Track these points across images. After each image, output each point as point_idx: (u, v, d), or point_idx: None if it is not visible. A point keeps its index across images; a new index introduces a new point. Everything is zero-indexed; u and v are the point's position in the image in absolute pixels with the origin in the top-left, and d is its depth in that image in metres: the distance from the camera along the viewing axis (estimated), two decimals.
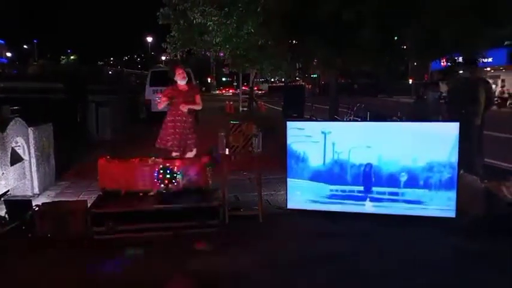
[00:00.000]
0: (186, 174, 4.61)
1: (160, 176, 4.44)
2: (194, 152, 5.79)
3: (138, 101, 17.63)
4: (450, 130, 4.36)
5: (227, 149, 4.61)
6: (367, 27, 6.78)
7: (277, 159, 6.32)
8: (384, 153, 4.50)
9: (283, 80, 42.86)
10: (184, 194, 4.47)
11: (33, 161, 5.53)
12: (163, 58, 62.59)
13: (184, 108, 5.59)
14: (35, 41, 78.39)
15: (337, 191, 4.64)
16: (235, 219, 4.50)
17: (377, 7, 6.64)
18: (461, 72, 7.65)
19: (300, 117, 11.91)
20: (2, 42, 74.43)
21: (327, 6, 6.65)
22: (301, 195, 4.73)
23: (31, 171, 5.51)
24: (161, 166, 4.49)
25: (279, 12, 6.94)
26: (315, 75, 44.06)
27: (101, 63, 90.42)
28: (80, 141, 9.88)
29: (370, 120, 6.53)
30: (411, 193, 4.47)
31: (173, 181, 4.46)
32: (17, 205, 4.47)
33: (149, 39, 52.76)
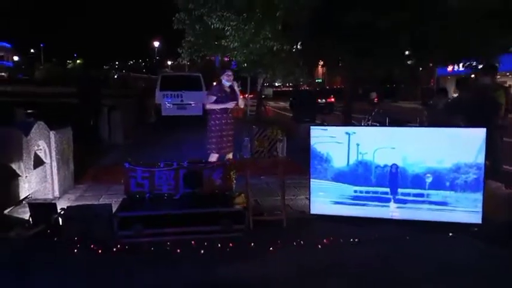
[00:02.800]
0: (211, 178, 4.61)
1: (185, 179, 4.44)
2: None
3: (146, 105, 17.72)
4: (477, 134, 4.35)
5: (251, 154, 4.61)
6: (401, 34, 6.75)
7: (293, 164, 6.35)
8: (409, 154, 4.49)
9: (288, 84, 42.97)
10: (209, 198, 4.47)
11: (54, 164, 5.55)
12: (169, 63, 62.87)
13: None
14: (42, 45, 78.95)
15: (361, 192, 4.63)
16: (259, 225, 4.49)
17: (411, 16, 6.61)
18: (478, 78, 7.65)
19: (312, 122, 11.86)
20: (9, 45, 75.13)
21: (361, 16, 6.63)
22: (325, 196, 4.71)
23: (52, 175, 5.52)
24: (186, 170, 4.49)
25: (307, 19, 6.95)
26: (319, 80, 44.13)
27: (107, 67, 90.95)
28: (93, 145, 9.90)
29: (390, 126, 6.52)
30: (437, 194, 4.45)
31: (198, 185, 4.46)
32: (42, 208, 4.47)
33: (156, 43, 52.99)
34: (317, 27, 7.09)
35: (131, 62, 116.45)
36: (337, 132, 4.69)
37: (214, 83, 6.06)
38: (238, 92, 6.20)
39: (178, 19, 8.30)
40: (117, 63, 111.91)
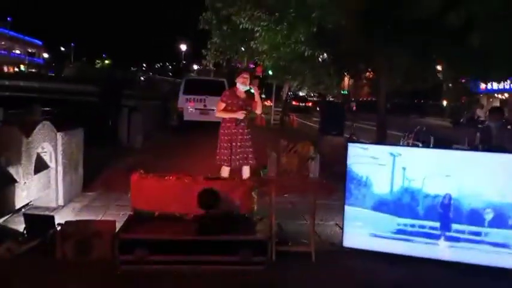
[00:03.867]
0: (229, 197, 4.00)
1: (200, 198, 3.84)
2: (252, 162, 5.50)
3: (169, 108, 17.36)
4: None
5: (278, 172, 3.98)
6: (476, 31, 5.78)
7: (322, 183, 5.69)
8: (466, 184, 3.76)
9: (313, 94, 42.01)
10: (226, 221, 3.85)
11: (60, 169, 5.05)
12: (195, 67, 63.16)
13: (241, 115, 5.25)
14: (72, 44, 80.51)
15: (405, 225, 3.92)
16: (283, 256, 3.84)
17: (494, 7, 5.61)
18: None
19: (340, 136, 11.16)
20: (40, 43, 76.91)
21: (427, 8, 5.71)
22: (361, 227, 4.03)
23: (57, 181, 5.02)
24: (202, 187, 3.89)
25: (353, 18, 6.20)
26: (345, 92, 42.49)
27: (134, 69, 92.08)
28: (109, 148, 9.46)
29: (435, 147, 5.77)
30: (497, 234, 3.71)
31: (214, 205, 3.85)
32: (38, 221, 3.96)
33: (183, 47, 53.13)
34: (368, 27, 6.29)
35: (158, 65, 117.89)
36: (380, 152, 4.02)
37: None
38: (258, 97, 5.57)
39: (205, 19, 7.77)
40: (144, 65, 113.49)
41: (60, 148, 5.02)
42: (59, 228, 3.73)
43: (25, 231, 3.91)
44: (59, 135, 4.99)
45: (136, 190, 3.92)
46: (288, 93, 20.90)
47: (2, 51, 64.20)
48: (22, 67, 46.30)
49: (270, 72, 10.25)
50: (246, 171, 5.60)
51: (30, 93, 27.90)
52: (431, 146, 5.84)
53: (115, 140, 10.15)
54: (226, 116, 5.37)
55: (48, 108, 9.62)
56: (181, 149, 10.40)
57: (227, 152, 5.41)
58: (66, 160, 5.15)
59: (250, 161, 5.56)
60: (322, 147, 10.70)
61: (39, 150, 4.78)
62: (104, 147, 9.38)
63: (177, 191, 3.90)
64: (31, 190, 4.46)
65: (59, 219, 4.07)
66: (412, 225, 3.91)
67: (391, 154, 3.96)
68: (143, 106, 13.79)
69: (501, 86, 34.21)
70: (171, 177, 3.94)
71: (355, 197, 4.04)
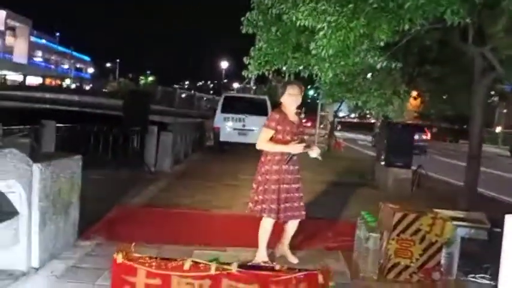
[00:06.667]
0: None
1: None
2: (304, 215, 3.90)
3: (206, 127, 16.02)
4: None
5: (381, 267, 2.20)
6: None
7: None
8: None
9: (367, 115, 39.49)
10: None
11: (36, 215, 3.51)
12: (235, 86, 62.65)
13: (299, 149, 3.68)
14: (118, 60, 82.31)
15: None
16: None
17: None
18: None
19: (407, 168, 9.23)
20: (88, 59, 79.19)
21: None
22: None
23: (29, 233, 3.48)
24: (234, 279, 2.16)
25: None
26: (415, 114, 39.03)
27: (177, 86, 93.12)
28: (130, 173, 8.00)
29: None
30: None
31: None
32: None
33: (224, 65, 52.57)
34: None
35: (200, 83, 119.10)
36: None
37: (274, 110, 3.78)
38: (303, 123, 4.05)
39: (249, 20, 6.18)
40: (187, 83, 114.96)
41: (36, 186, 3.48)
42: None
43: None
44: (36, 168, 3.46)
45: (121, 280, 2.23)
46: (336, 113, 19.06)
47: (50, 65, 66.34)
48: (68, 81, 47.06)
49: (323, 89, 8.51)
50: (293, 228, 3.95)
51: (65, 106, 27.68)
52: None
53: (139, 163, 8.69)
54: (278, 149, 3.73)
55: (64, 125, 8.27)
56: (215, 176, 8.80)
57: (275, 199, 3.72)
58: (47, 202, 3.62)
59: (303, 212, 3.90)
60: (386, 183, 8.83)
61: (5, 189, 3.27)
62: (121, 173, 7.96)
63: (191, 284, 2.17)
64: None
65: None
66: None
67: None
68: (180, 124, 12.47)
69: None
70: (178, 263, 2.18)
71: None
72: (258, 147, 3.82)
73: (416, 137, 12.41)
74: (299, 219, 3.90)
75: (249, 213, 3.92)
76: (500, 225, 3.10)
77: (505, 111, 41.46)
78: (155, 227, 4.91)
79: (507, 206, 8.18)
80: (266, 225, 3.79)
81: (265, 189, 3.74)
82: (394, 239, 2.14)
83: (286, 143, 3.72)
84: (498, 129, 40.03)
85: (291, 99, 3.78)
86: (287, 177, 3.77)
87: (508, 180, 13.29)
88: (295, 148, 3.66)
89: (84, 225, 4.47)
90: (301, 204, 3.88)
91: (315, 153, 3.72)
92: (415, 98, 14.19)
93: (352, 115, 59.28)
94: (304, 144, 3.70)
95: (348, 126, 50.47)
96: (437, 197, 7.97)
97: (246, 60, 6.49)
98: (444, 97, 12.78)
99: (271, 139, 3.74)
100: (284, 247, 4.03)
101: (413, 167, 9.07)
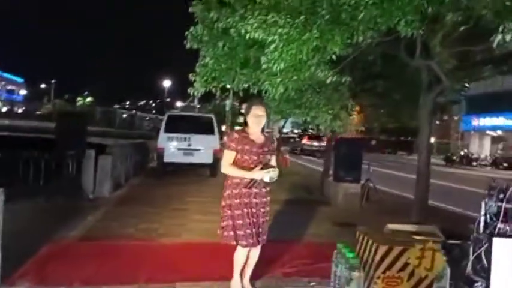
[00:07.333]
0: None
1: None
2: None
3: (149, 148, 15.32)
4: None
5: None
6: None
7: None
8: None
9: (308, 130, 40.07)
10: None
11: None
12: (178, 104, 61.66)
13: (264, 175, 3.43)
14: (52, 80, 78.21)
15: None
16: None
17: None
18: None
19: (356, 182, 9.24)
20: (21, 80, 74.53)
21: None
22: None
23: None
24: None
25: None
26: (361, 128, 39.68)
27: (117, 106, 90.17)
28: (65, 202, 7.24)
29: None
30: None
31: None
32: None
33: (166, 83, 51.67)
34: None
35: (141, 103, 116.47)
36: None
37: (237, 128, 3.48)
38: (274, 143, 3.79)
39: (194, 35, 5.83)
40: (128, 102, 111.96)
41: None
42: None
43: None
44: None
45: None
46: (281, 129, 19.05)
47: None
48: None
49: (270, 106, 8.29)
50: (256, 254, 3.64)
51: None
52: None
53: (75, 189, 7.93)
54: (240, 175, 3.47)
55: None
56: (160, 201, 8.23)
57: (247, 224, 3.47)
58: None
59: (264, 237, 3.65)
60: (336, 198, 8.73)
61: None
62: (56, 200, 7.20)
63: None
64: None
65: None
66: None
67: None
68: (120, 146, 11.72)
69: (494, 122, 33.30)
70: None
71: None
72: (222, 171, 3.60)
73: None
74: (260, 245, 3.61)
75: (220, 241, 3.59)
76: (453, 237, 2.99)
77: (437, 122, 44.23)
78: (94, 264, 4.30)
79: (453, 215, 8.36)
80: (239, 253, 3.54)
81: (234, 216, 3.49)
82: (379, 278, 1.87)
83: (246, 164, 3.48)
84: (432, 139, 42.55)
85: (254, 120, 3.56)
86: (253, 201, 3.50)
87: (448, 189, 13.84)
88: (258, 175, 3.43)
89: (9, 268, 3.80)
90: (266, 229, 3.64)
91: (267, 177, 3.43)
92: (358, 113, 14.50)
93: (296, 131, 60.47)
94: (265, 171, 3.42)
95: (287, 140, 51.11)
96: (386, 211, 7.96)
97: (191, 77, 6.12)
98: (386, 111, 13.14)
99: (236, 163, 3.50)
100: (245, 280, 3.68)
101: (362, 181, 9.09)
